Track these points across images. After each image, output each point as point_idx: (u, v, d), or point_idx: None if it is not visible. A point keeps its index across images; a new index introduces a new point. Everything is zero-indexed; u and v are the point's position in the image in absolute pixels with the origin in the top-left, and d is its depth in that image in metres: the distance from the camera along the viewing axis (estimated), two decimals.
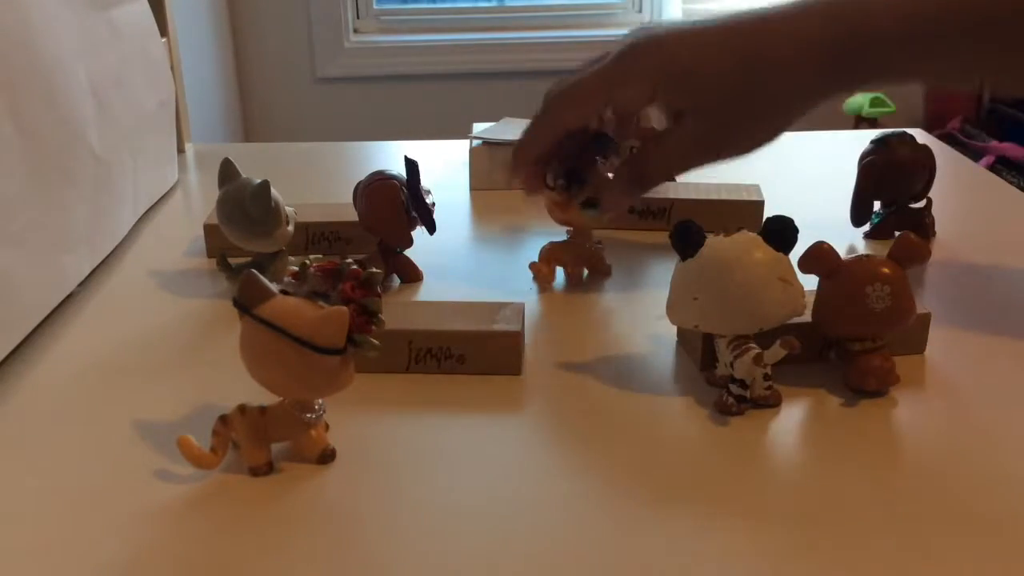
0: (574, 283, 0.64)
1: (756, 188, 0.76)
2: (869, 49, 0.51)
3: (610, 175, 0.59)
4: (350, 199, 0.64)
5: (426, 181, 0.64)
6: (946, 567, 0.38)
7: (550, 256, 0.64)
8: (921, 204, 0.71)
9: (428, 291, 0.65)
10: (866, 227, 0.72)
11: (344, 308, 0.41)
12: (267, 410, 0.44)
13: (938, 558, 0.39)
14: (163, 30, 0.87)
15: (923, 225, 0.70)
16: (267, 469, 0.44)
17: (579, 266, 0.65)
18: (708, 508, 0.42)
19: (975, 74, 0.56)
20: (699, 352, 0.53)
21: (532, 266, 0.64)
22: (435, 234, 0.64)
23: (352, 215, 0.65)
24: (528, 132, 0.58)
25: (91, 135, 0.65)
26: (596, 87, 0.55)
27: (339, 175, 0.91)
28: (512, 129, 0.88)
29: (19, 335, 0.55)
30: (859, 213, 0.72)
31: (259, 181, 0.60)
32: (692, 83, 0.53)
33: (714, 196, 0.74)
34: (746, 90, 0.52)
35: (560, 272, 0.65)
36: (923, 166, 0.69)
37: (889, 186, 0.70)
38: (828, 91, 0.53)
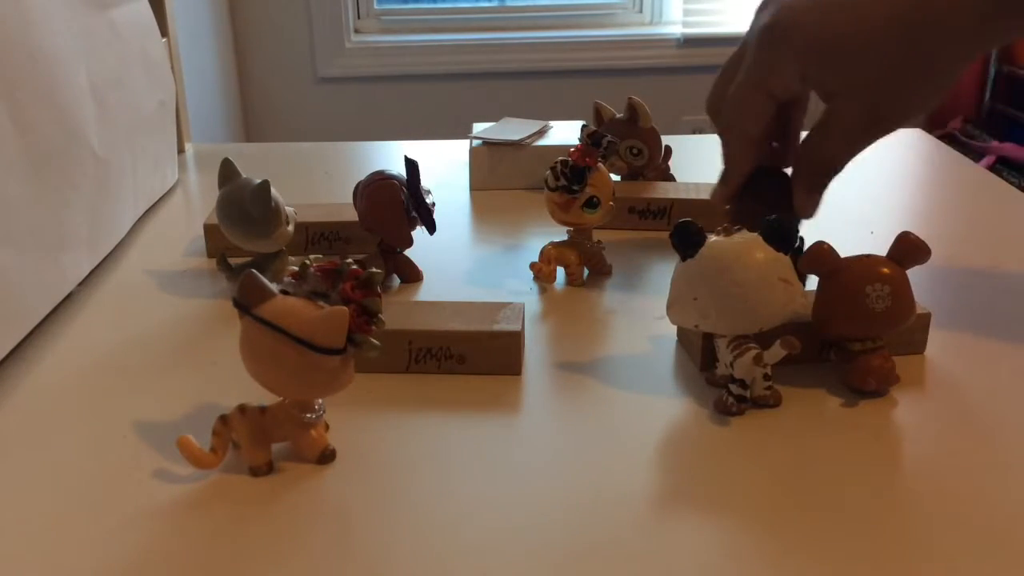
0: (574, 283, 0.65)
1: None
2: None
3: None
4: (350, 199, 0.64)
5: (426, 181, 0.64)
6: (946, 567, 0.38)
7: (551, 256, 0.64)
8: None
9: (428, 291, 0.65)
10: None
11: (344, 308, 0.41)
12: (267, 410, 0.44)
13: (938, 558, 0.39)
14: (163, 30, 0.87)
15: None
16: (267, 469, 0.44)
17: (579, 266, 0.65)
18: (708, 508, 0.42)
19: None
20: (699, 352, 0.53)
21: (533, 266, 0.64)
22: (435, 234, 0.64)
23: (352, 215, 0.65)
24: (728, 158, 0.57)
25: (91, 135, 0.65)
26: (750, 90, 0.53)
27: (339, 175, 0.91)
28: (512, 129, 0.88)
29: (19, 335, 0.55)
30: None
31: (259, 181, 0.60)
32: (841, 60, 0.50)
33: None
34: (903, 56, 0.49)
35: (561, 272, 0.65)
36: None
37: None
38: (990, 40, 0.50)
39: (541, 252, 0.64)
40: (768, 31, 0.52)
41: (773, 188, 0.58)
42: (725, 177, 0.58)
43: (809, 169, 0.55)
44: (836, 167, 0.55)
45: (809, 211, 0.57)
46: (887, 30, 0.49)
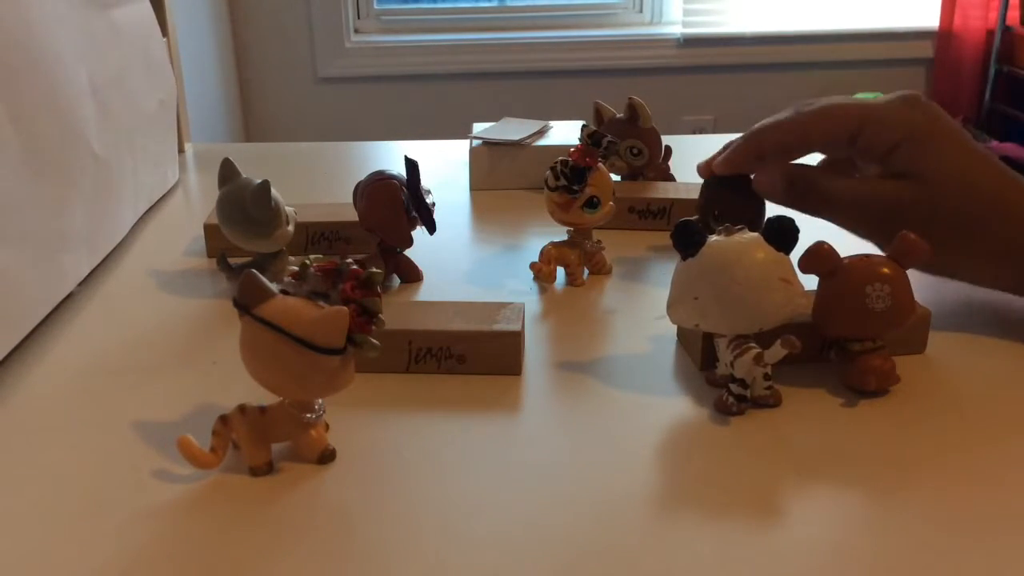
0: (574, 283, 0.65)
1: None
2: None
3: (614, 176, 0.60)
4: (350, 199, 0.64)
5: (426, 181, 0.64)
6: (946, 567, 0.38)
7: (551, 256, 0.64)
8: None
9: (428, 291, 0.65)
10: None
11: (344, 308, 0.41)
12: (267, 410, 0.44)
13: (938, 558, 0.39)
14: (163, 30, 0.87)
15: None
16: (267, 469, 0.44)
17: (580, 266, 0.65)
18: (708, 508, 0.42)
19: None
20: (699, 352, 0.53)
21: (533, 266, 0.64)
22: (435, 234, 0.64)
23: (352, 215, 0.65)
24: (777, 122, 0.58)
25: (91, 135, 0.65)
26: (854, 108, 0.56)
27: (339, 175, 0.91)
28: (512, 129, 0.88)
29: (19, 335, 0.55)
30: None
31: (259, 181, 0.60)
32: (937, 163, 0.54)
33: None
34: (983, 232, 0.54)
35: (560, 272, 0.65)
36: None
37: None
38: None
39: (541, 252, 0.64)
40: (907, 96, 0.56)
41: (743, 194, 0.60)
42: (736, 151, 0.59)
43: (793, 187, 0.58)
44: (820, 206, 0.58)
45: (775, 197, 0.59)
46: (988, 186, 0.54)
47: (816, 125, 0.57)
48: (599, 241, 0.66)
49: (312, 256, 0.44)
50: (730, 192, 0.61)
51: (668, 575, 0.38)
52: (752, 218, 0.61)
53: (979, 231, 0.51)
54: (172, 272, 0.68)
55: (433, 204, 0.64)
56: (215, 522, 0.41)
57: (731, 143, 0.60)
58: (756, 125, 0.59)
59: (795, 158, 0.59)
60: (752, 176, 0.60)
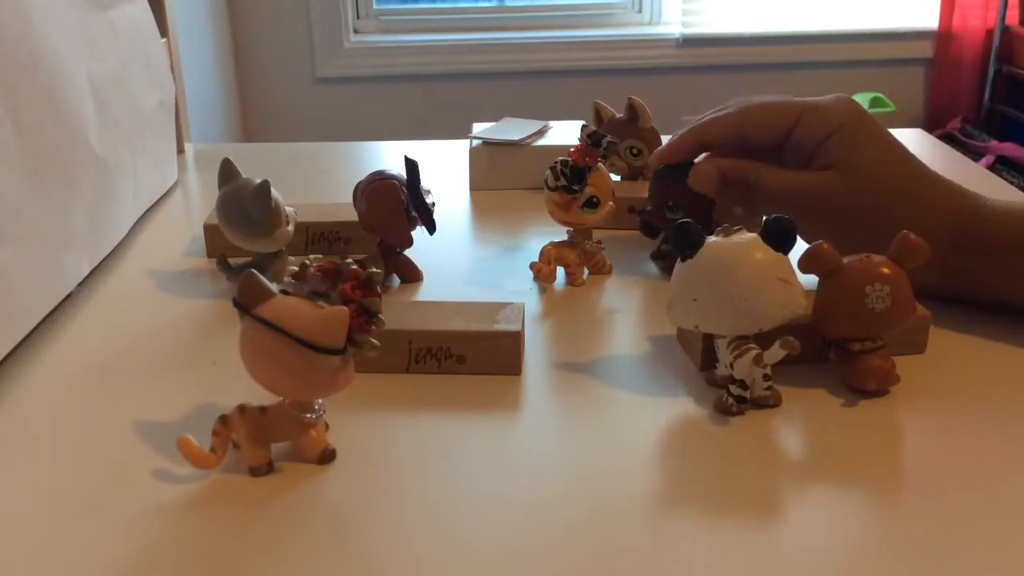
0: (575, 283, 0.65)
1: None
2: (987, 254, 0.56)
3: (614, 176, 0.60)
4: (350, 199, 0.64)
5: (426, 181, 0.64)
6: (946, 566, 0.38)
7: (551, 256, 0.64)
8: None
9: (428, 291, 0.65)
10: None
11: (344, 308, 0.41)
12: (267, 410, 0.44)
13: (938, 557, 0.39)
14: (163, 30, 0.87)
15: None
16: (267, 469, 0.44)
17: (580, 266, 0.65)
18: (708, 508, 0.42)
19: None
20: (699, 352, 0.53)
21: (533, 266, 0.64)
22: (435, 234, 0.64)
23: (352, 215, 0.65)
24: (722, 114, 0.62)
25: (91, 135, 0.65)
26: (794, 102, 0.60)
27: (339, 175, 0.91)
28: (512, 129, 0.88)
29: (19, 335, 0.55)
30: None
31: (259, 181, 0.60)
32: (862, 154, 0.58)
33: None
34: (886, 215, 0.56)
35: (561, 272, 0.65)
36: None
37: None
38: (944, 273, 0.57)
39: (541, 252, 0.64)
40: (839, 98, 0.60)
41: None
42: (681, 138, 0.63)
43: (736, 178, 0.61)
44: (751, 199, 0.61)
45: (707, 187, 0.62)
46: (909, 195, 0.58)
47: (758, 117, 0.61)
48: (599, 241, 0.66)
49: (312, 256, 0.44)
50: (682, 182, 0.62)
51: (668, 574, 0.38)
52: (706, 208, 0.62)
53: (894, 223, 0.52)
54: (172, 272, 0.68)
55: (433, 204, 0.64)
56: (215, 522, 0.41)
57: (676, 133, 0.63)
58: (700, 117, 0.62)
59: (735, 149, 0.61)
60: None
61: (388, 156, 1.00)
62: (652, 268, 0.68)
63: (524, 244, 0.73)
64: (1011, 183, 0.91)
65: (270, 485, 0.44)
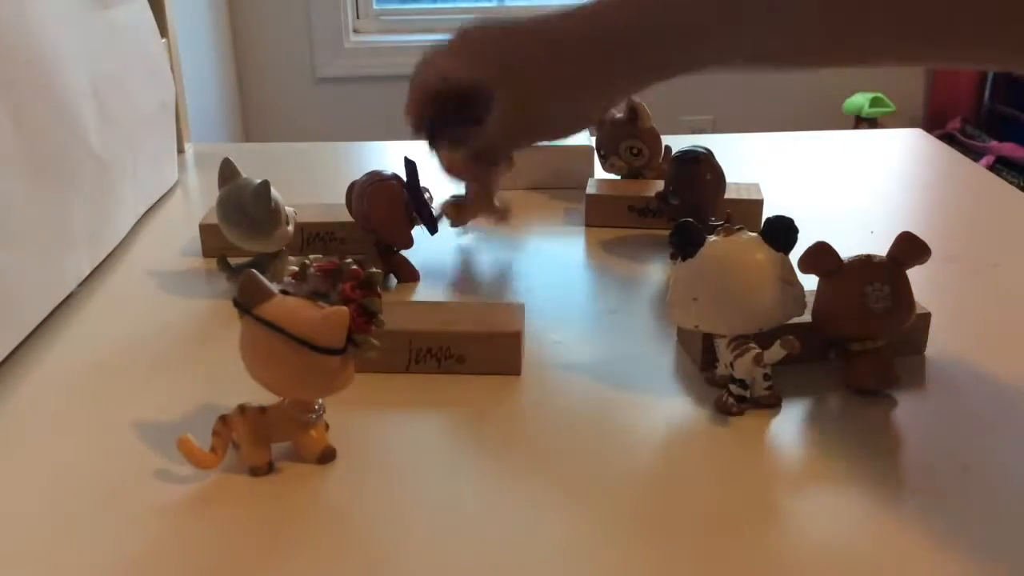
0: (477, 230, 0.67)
1: (756, 187, 0.76)
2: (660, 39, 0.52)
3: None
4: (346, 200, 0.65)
5: (425, 181, 0.64)
6: (947, 566, 0.38)
7: (453, 209, 0.67)
8: None
9: (427, 291, 0.64)
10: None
11: (344, 308, 0.41)
12: (267, 410, 0.44)
13: (939, 557, 0.39)
14: (163, 30, 0.87)
15: None
16: (267, 469, 0.44)
17: (482, 215, 0.68)
18: (707, 508, 0.42)
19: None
20: (699, 352, 0.53)
21: (443, 208, 0.67)
22: (435, 234, 0.64)
23: (347, 215, 0.65)
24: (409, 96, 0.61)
25: (91, 135, 0.65)
26: (429, 62, 0.58)
27: (338, 175, 0.91)
28: None
29: (19, 335, 0.55)
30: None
31: (259, 181, 0.60)
32: (498, 72, 0.55)
33: None
34: (531, 86, 0.55)
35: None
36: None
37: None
38: (625, 81, 0.54)
39: (444, 205, 0.67)
40: (463, 33, 0.57)
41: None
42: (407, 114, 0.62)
43: (474, 158, 0.61)
44: (489, 159, 0.62)
45: (480, 195, 0.64)
46: (523, 62, 0.54)
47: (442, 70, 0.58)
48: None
49: (312, 256, 0.44)
50: (686, 172, 0.65)
51: (667, 574, 0.38)
52: (702, 198, 0.65)
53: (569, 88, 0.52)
54: (172, 272, 0.68)
55: (431, 201, 0.64)
56: (215, 522, 0.41)
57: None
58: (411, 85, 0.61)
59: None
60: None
61: (388, 156, 1.00)
62: (652, 268, 0.68)
63: (524, 244, 0.73)
64: (1011, 183, 0.91)
65: (270, 485, 0.44)
